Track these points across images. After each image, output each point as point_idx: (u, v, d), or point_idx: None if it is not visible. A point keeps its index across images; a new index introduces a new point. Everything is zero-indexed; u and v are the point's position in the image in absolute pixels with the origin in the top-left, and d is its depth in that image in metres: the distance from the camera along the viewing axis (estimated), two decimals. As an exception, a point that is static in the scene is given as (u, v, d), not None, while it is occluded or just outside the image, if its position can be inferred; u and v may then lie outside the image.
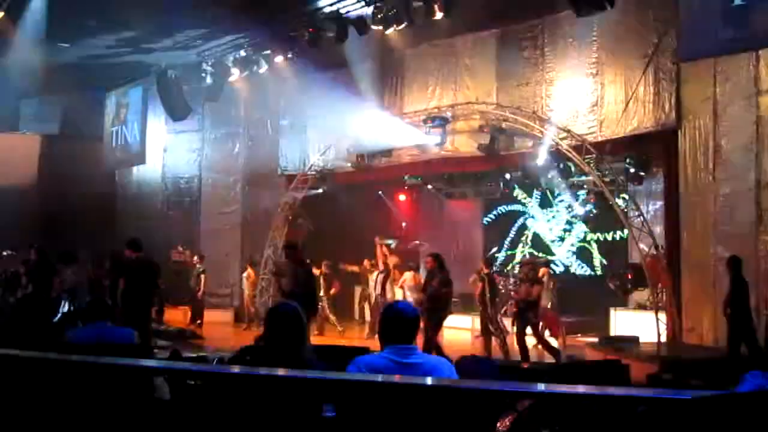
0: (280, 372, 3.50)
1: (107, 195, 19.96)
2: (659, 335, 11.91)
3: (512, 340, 11.72)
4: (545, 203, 18.52)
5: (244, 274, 16.69)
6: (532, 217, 18.89)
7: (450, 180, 17.69)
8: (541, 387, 3.23)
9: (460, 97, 14.91)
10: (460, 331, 14.98)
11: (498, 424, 4.40)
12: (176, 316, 16.35)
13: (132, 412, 3.91)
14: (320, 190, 16.74)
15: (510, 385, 3.52)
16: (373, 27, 13.59)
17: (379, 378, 3.56)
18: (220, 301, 17.89)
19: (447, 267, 11.66)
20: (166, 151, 19.29)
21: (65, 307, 11.96)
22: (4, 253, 15.37)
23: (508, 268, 18.24)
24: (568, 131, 13.39)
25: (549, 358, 11.29)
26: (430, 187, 18.34)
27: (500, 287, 14.25)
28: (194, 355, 11.77)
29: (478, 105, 14.49)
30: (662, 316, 12.13)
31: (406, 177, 17.46)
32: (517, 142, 14.23)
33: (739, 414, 2.81)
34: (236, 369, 3.99)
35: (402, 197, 19.61)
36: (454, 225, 19.55)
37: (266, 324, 4.03)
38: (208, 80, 17.00)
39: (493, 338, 12.03)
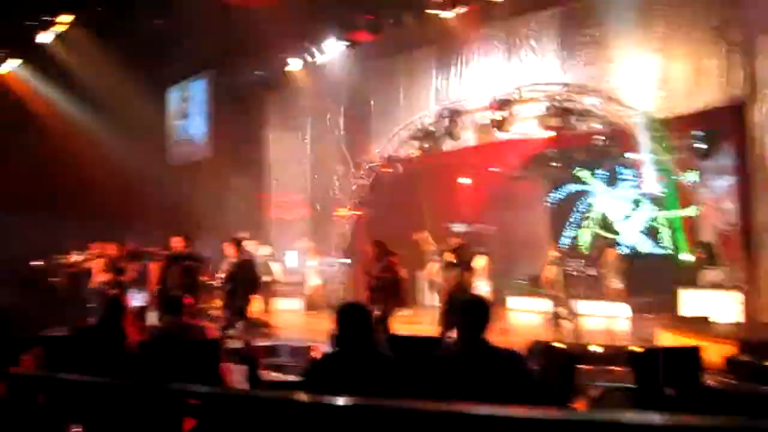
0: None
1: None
2: (735, 315, 11.66)
3: (581, 324, 11.66)
4: (611, 182, 18.27)
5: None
6: (598, 196, 18.66)
7: (516, 161, 17.58)
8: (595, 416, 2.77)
9: (524, 78, 14.79)
10: (529, 314, 14.96)
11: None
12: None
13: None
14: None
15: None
16: (433, 11, 13.61)
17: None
18: (291, 290, 18.16)
19: (389, 252, 11.19)
20: (231, 141, 19.57)
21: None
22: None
23: (578, 249, 18.10)
24: (635, 108, 13.18)
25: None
26: (496, 169, 18.27)
27: (570, 270, 14.10)
28: (267, 344, 12.10)
29: (543, 86, 14.36)
30: (738, 295, 11.87)
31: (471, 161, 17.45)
32: (583, 122, 14.06)
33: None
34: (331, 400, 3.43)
35: (467, 180, 19.56)
36: (520, 207, 19.43)
37: (337, 323, 4.16)
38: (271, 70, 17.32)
39: (563, 321, 11.98)
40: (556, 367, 5.85)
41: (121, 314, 6.52)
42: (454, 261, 11.20)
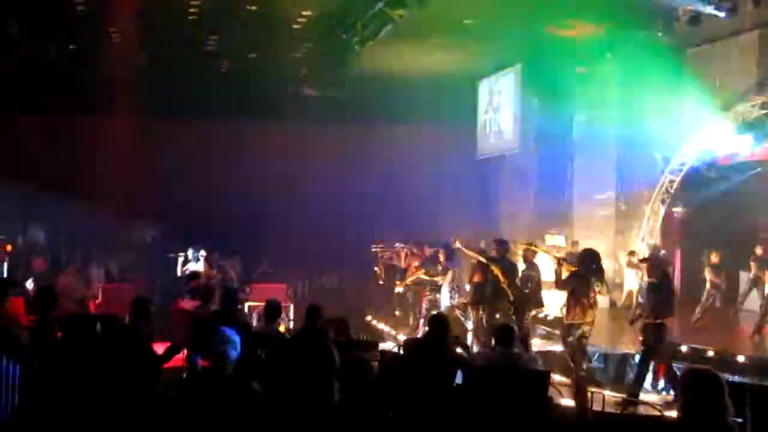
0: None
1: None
2: None
3: None
4: None
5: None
6: None
7: None
8: None
9: None
10: None
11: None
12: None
13: None
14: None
15: None
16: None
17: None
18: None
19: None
20: (538, 135, 19.64)
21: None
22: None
23: None
24: None
25: None
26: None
27: None
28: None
29: None
30: None
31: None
32: None
33: None
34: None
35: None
36: None
37: (683, 392, 4.00)
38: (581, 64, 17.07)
39: None
40: None
41: (446, 333, 6.25)
42: None
